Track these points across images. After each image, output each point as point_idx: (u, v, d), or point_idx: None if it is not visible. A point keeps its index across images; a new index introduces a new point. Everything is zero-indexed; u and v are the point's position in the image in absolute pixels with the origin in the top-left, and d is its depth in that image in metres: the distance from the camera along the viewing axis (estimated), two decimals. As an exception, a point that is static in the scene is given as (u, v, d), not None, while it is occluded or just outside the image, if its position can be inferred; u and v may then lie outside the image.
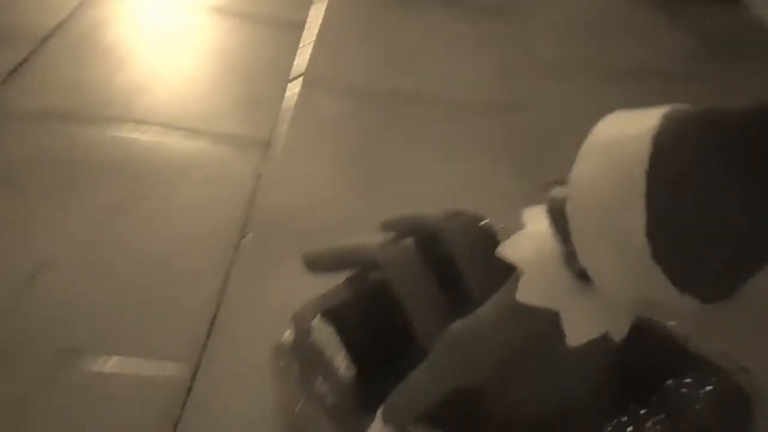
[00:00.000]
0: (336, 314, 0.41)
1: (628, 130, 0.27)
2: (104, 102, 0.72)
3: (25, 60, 0.75)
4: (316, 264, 0.45)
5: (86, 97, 0.72)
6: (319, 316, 0.40)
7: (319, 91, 0.80)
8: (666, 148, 0.26)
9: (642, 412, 0.37)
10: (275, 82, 0.80)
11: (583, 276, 0.30)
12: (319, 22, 0.94)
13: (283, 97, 0.78)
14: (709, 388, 0.37)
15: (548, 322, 0.31)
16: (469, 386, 0.35)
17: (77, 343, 0.49)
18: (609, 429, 0.37)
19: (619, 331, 0.33)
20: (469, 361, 0.33)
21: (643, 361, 0.40)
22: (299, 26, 0.92)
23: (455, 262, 0.40)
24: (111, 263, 0.56)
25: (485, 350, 0.33)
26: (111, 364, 0.49)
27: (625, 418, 0.37)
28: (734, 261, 0.26)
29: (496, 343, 0.32)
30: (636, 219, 0.26)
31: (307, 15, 0.94)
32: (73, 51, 0.78)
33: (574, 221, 0.29)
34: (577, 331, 0.31)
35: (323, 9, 0.97)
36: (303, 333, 0.42)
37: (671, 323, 0.39)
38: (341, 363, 0.40)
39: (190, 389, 0.48)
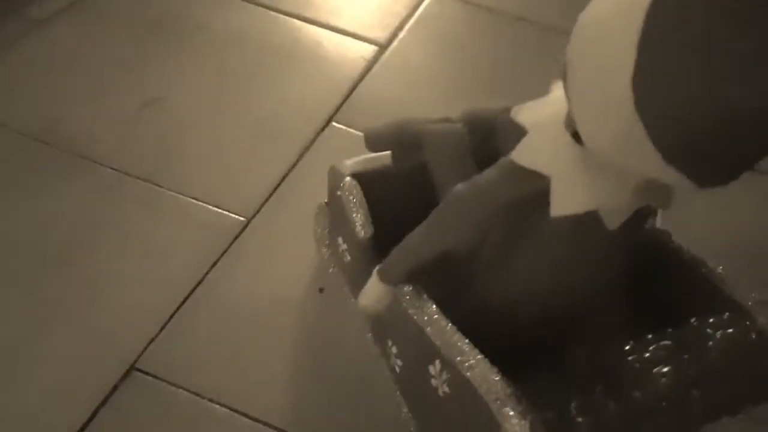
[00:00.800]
0: (367, 177, 0.42)
1: None
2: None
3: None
4: (374, 139, 0.46)
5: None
6: (350, 175, 0.42)
7: (452, 7, 0.80)
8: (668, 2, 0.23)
9: (649, 336, 0.34)
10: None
11: (579, 140, 0.28)
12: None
13: (417, 8, 0.78)
14: (729, 331, 0.34)
15: (539, 188, 0.30)
16: (458, 251, 0.34)
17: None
18: (611, 349, 0.35)
19: (612, 216, 0.30)
20: (458, 218, 0.33)
21: (671, 293, 0.38)
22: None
23: (499, 154, 0.39)
24: (211, 116, 0.61)
25: (473, 209, 0.32)
26: (183, 201, 0.54)
27: (631, 343, 0.35)
28: (729, 136, 0.24)
29: (484, 202, 0.32)
30: (624, 64, 0.24)
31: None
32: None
33: (568, 68, 0.27)
34: (563, 201, 0.29)
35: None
36: (333, 189, 0.43)
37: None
38: (360, 223, 0.40)
39: (237, 237, 0.52)
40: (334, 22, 0.73)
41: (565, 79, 0.28)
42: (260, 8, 0.73)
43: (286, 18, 0.73)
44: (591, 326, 0.35)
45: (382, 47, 0.72)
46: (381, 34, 0.73)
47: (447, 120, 0.42)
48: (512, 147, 0.34)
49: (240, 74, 0.66)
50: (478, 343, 0.33)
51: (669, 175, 0.25)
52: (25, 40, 0.65)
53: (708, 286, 0.36)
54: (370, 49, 0.71)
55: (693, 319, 0.35)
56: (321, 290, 0.48)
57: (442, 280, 0.36)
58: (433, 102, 0.66)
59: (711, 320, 0.34)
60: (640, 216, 0.33)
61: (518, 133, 0.35)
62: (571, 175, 0.29)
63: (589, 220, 0.30)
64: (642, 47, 0.24)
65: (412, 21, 0.76)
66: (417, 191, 0.39)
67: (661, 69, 0.24)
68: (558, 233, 0.31)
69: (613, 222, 0.30)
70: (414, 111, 0.45)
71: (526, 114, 0.32)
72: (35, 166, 0.55)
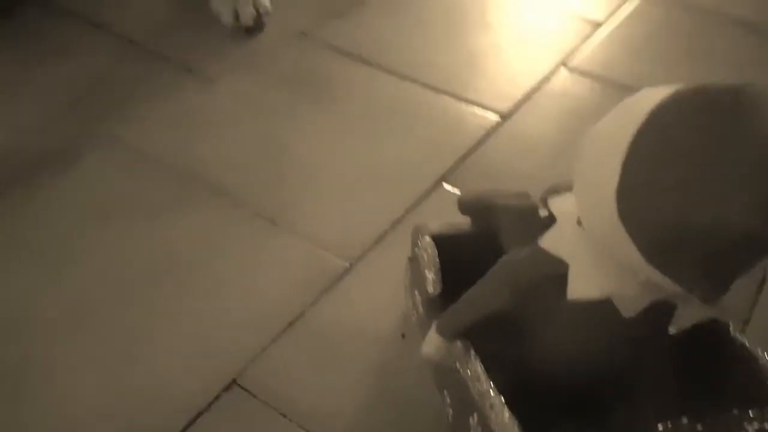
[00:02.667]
0: (443, 239, 0.46)
1: (640, 98, 0.28)
2: (403, 59, 0.86)
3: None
4: (462, 204, 0.51)
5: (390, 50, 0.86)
6: (428, 235, 0.46)
7: (584, 82, 0.82)
8: (656, 120, 0.27)
9: (684, 420, 0.35)
10: (543, 66, 0.85)
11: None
12: (616, 23, 0.94)
13: (547, 81, 0.82)
14: (766, 426, 0.34)
15: (561, 271, 0.33)
16: (502, 312, 0.38)
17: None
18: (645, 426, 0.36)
19: (625, 304, 0.32)
20: (499, 285, 0.36)
21: (720, 380, 0.38)
22: (592, 23, 0.94)
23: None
24: (332, 164, 0.69)
25: (510, 279, 0.36)
26: (294, 240, 0.61)
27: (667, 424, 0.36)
28: (700, 245, 0.26)
29: (518, 275, 0.35)
30: (612, 178, 0.28)
31: (606, 14, 0.95)
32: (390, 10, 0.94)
33: (574, 174, 0.30)
34: (578, 286, 0.32)
35: (626, 11, 0.97)
36: (414, 247, 0.48)
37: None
38: (431, 280, 0.45)
39: (340, 279, 0.58)
40: (460, 91, 0.79)
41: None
42: (393, 76, 0.81)
43: (415, 85, 0.80)
44: (630, 399, 0.37)
45: (504, 117, 0.76)
46: (504, 105, 0.78)
47: (525, 196, 0.46)
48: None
49: (364, 130, 0.73)
50: (522, 398, 0.36)
51: (656, 275, 0.28)
52: (194, 93, 0.77)
53: (756, 381, 0.36)
54: (491, 118, 0.76)
55: (735, 410, 0.36)
56: (403, 336, 0.53)
57: (492, 337, 0.40)
58: (547, 175, 0.69)
59: (750, 413, 0.35)
60: (666, 306, 0.35)
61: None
62: (587, 264, 0.32)
63: (605, 306, 0.33)
64: (626, 166, 0.28)
65: (537, 94, 0.80)
66: (490, 256, 0.43)
67: (640, 185, 0.27)
68: (577, 313, 0.34)
69: (627, 310, 0.33)
70: (526, 183, 0.48)
71: (559, 204, 0.35)
72: (168, 193, 0.65)
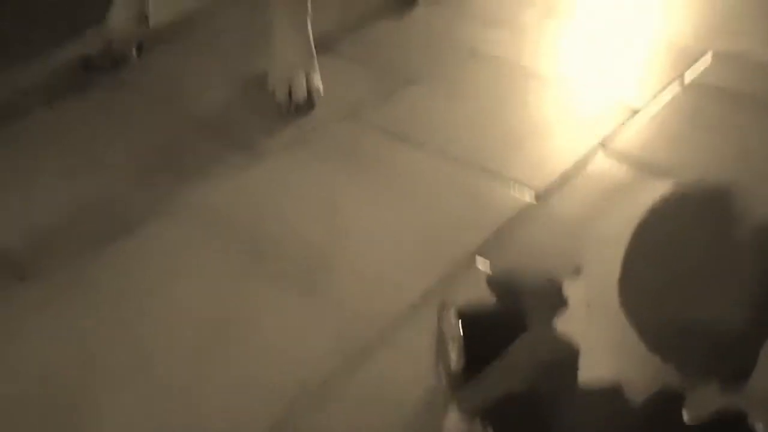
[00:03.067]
0: (469, 315, 0.48)
1: (640, 202, 0.31)
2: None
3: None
4: (490, 282, 0.53)
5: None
6: (454, 309, 0.48)
7: (620, 166, 0.84)
8: (655, 215, 0.29)
9: None
10: (581, 148, 0.87)
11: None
12: (655, 110, 0.97)
13: (584, 163, 0.85)
14: None
15: (574, 355, 0.34)
16: (520, 394, 0.39)
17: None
18: None
19: (636, 388, 0.33)
20: (516, 365, 0.38)
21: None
22: (631, 109, 0.96)
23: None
24: (370, 233, 0.72)
25: (527, 360, 0.37)
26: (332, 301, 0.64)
27: None
28: (709, 338, 0.27)
29: (534, 356, 0.37)
30: (616, 265, 0.29)
31: (646, 101, 0.98)
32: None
33: (585, 257, 0.32)
34: (590, 370, 0.34)
35: (665, 99, 1.00)
36: (440, 320, 0.50)
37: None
38: (454, 355, 0.47)
39: (369, 345, 0.60)
40: (497, 168, 0.82)
41: None
42: (435, 153, 0.85)
43: (455, 161, 0.84)
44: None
45: (539, 196, 0.79)
46: (540, 184, 0.80)
47: (550, 276, 0.48)
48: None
49: (403, 204, 0.77)
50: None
51: (661, 364, 0.30)
52: (247, 167, 0.82)
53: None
54: (527, 196, 0.78)
55: None
56: (430, 404, 0.55)
57: (511, 417, 0.41)
58: (577, 256, 0.71)
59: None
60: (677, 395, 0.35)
61: None
62: (597, 348, 0.34)
63: (617, 390, 0.34)
64: (627, 257, 0.30)
65: (573, 175, 0.82)
66: (514, 334, 0.45)
67: (641, 278, 0.29)
68: (591, 396, 0.35)
69: (637, 394, 0.34)
70: (557, 261, 0.50)
71: (574, 287, 0.37)
72: (220, 259, 0.69)
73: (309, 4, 0.95)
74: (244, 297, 0.65)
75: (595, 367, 0.34)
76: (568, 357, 0.36)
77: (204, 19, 1.17)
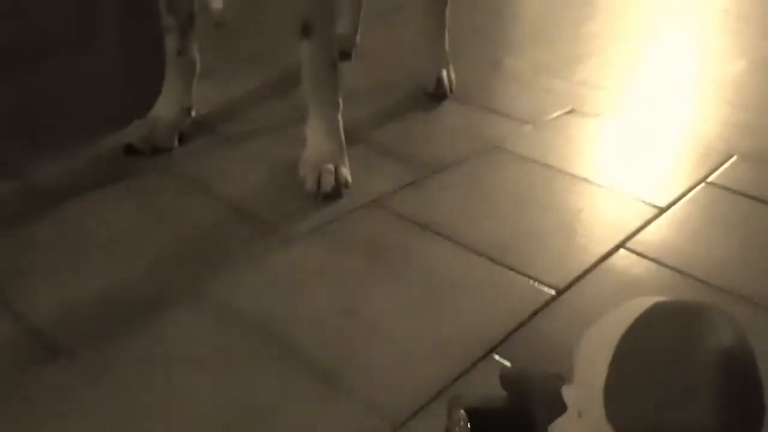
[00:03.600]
0: (477, 413, 0.48)
1: (632, 305, 0.32)
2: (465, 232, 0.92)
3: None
4: (502, 380, 0.53)
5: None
6: (463, 406, 0.49)
7: (642, 264, 0.85)
8: (638, 327, 0.30)
9: None
10: (602, 246, 0.88)
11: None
12: (678, 209, 0.98)
13: (606, 261, 0.85)
14: None
15: None
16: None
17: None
18: None
19: None
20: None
21: None
22: (654, 207, 0.97)
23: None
24: (391, 329, 0.73)
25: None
26: (349, 400, 0.64)
27: None
28: None
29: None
30: (601, 374, 0.30)
31: (670, 200, 0.99)
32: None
33: (574, 366, 0.33)
34: None
35: (689, 198, 1.01)
36: (448, 418, 0.51)
37: None
38: (463, 455, 0.47)
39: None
40: (517, 264, 0.83)
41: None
42: (456, 246, 0.87)
43: (476, 255, 0.85)
44: None
45: (559, 292, 0.79)
46: (560, 281, 0.81)
47: (559, 377, 0.48)
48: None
49: (423, 295, 0.78)
50: None
51: None
52: (276, 253, 0.85)
53: None
54: (546, 292, 0.79)
55: None
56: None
57: None
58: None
59: None
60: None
61: None
62: None
63: None
64: (611, 367, 0.31)
65: (594, 272, 0.83)
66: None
67: (622, 387, 0.30)
68: None
69: None
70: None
71: (569, 392, 0.38)
72: (244, 347, 0.70)
73: (340, 99, 1.01)
74: (265, 387, 0.65)
75: None
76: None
77: (240, 110, 1.24)
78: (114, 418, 0.61)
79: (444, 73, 1.31)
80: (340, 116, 1.01)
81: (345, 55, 1.49)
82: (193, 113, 1.13)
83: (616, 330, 0.32)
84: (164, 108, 1.09)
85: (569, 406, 0.37)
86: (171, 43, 1.07)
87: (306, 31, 0.97)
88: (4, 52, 1.04)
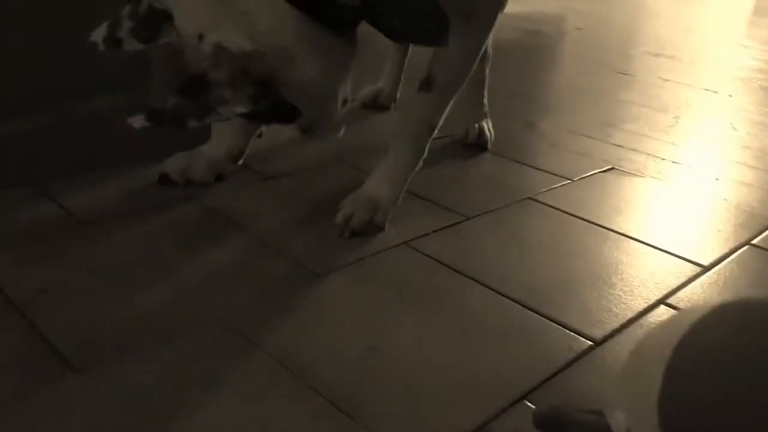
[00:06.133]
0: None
1: (686, 312, 0.29)
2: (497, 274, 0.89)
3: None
4: (536, 418, 0.50)
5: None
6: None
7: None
8: (697, 331, 0.27)
9: None
10: (642, 301, 0.84)
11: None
12: (721, 268, 0.94)
13: (645, 315, 0.82)
14: None
15: None
16: None
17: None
18: None
19: None
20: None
21: None
22: (697, 266, 0.94)
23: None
24: (418, 368, 0.69)
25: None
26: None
27: None
28: None
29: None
30: (655, 384, 0.27)
31: (712, 259, 0.96)
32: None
33: (621, 381, 0.30)
34: None
35: (732, 258, 0.97)
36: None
37: None
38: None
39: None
40: (553, 313, 0.80)
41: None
42: (489, 291, 0.84)
43: (510, 302, 0.82)
44: None
45: (596, 344, 0.75)
46: (598, 332, 0.77)
47: (599, 413, 0.45)
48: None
49: (454, 339, 0.74)
50: None
51: None
52: (303, 288, 0.83)
53: None
54: (582, 343, 0.75)
55: None
56: None
57: None
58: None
59: None
60: None
61: None
62: None
63: None
64: (667, 375, 0.28)
65: (633, 326, 0.79)
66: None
67: (681, 396, 0.27)
68: None
69: None
70: (608, 411, 0.47)
71: (616, 416, 0.35)
72: (264, 379, 0.67)
73: (421, 162, 1.01)
74: (283, 418, 0.62)
75: None
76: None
77: (278, 151, 1.24)
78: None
79: (485, 124, 1.31)
80: (411, 175, 1.01)
81: (384, 108, 1.51)
82: (241, 162, 1.13)
83: (672, 335, 0.29)
84: (213, 147, 1.09)
85: (615, 429, 0.34)
86: None
87: (426, 85, 0.97)
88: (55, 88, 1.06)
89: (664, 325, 0.31)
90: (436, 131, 1.00)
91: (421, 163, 1.01)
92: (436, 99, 0.97)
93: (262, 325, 0.75)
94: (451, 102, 0.99)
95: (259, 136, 1.15)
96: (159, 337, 0.71)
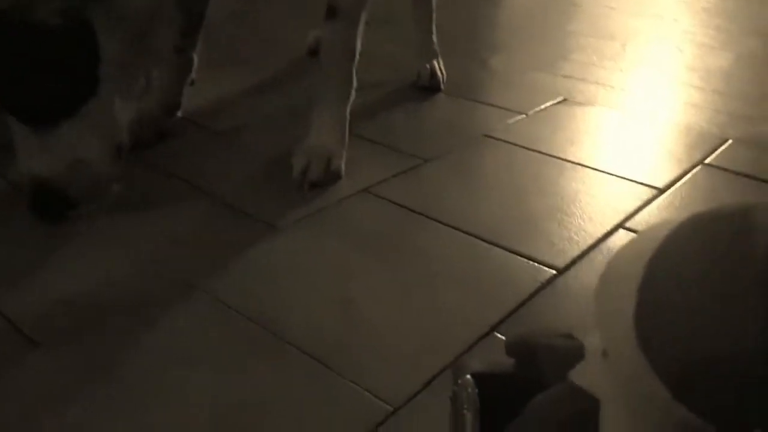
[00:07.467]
0: (485, 378, 0.45)
1: (658, 226, 0.28)
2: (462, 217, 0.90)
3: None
4: (508, 347, 0.51)
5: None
6: (469, 375, 0.46)
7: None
8: (671, 243, 0.27)
9: None
10: (601, 227, 0.86)
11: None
12: (677, 190, 0.96)
13: (605, 241, 0.83)
14: None
15: (592, 408, 0.31)
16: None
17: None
18: None
19: None
20: (531, 428, 0.35)
21: None
22: (653, 189, 0.96)
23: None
24: (388, 314, 0.70)
25: (540, 419, 0.34)
26: (342, 384, 0.61)
27: None
28: (727, 378, 0.24)
29: (547, 413, 0.34)
30: (630, 300, 0.27)
31: (667, 182, 0.98)
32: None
33: (595, 303, 0.30)
34: (610, 427, 0.31)
35: (687, 179, 0.99)
36: (454, 386, 0.47)
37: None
38: (470, 422, 0.44)
39: (381, 424, 0.57)
40: (516, 245, 0.81)
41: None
42: (452, 230, 0.84)
43: (473, 238, 0.82)
44: None
45: (559, 272, 0.77)
46: (560, 261, 0.78)
47: (569, 336, 0.45)
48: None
49: (421, 279, 0.75)
50: None
51: (687, 415, 0.26)
52: (265, 245, 0.82)
53: None
54: (546, 273, 0.76)
55: None
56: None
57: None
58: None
59: None
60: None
61: None
62: (617, 402, 0.31)
63: None
64: (642, 290, 0.28)
65: (593, 252, 0.80)
66: (531, 398, 0.42)
67: (657, 311, 0.27)
68: None
69: None
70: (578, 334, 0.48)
71: (591, 337, 0.35)
72: (238, 341, 0.67)
73: (352, 91, 0.98)
74: (256, 382, 0.62)
75: (615, 421, 0.31)
76: (586, 412, 0.33)
77: (227, 107, 1.21)
78: (100, 412, 0.58)
79: (436, 65, 1.30)
80: (348, 108, 0.99)
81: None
82: (180, 113, 1.10)
83: (642, 254, 0.28)
84: (150, 104, 1.05)
85: (590, 350, 0.34)
86: (169, 39, 1.04)
87: (331, 12, 0.94)
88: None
89: (633, 244, 0.30)
90: (357, 56, 0.97)
91: (353, 92, 0.99)
92: (343, 24, 0.95)
93: (229, 284, 0.74)
94: (361, 24, 0.97)
95: (192, 83, 1.12)
96: (127, 308, 0.70)
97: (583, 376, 0.34)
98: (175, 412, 0.58)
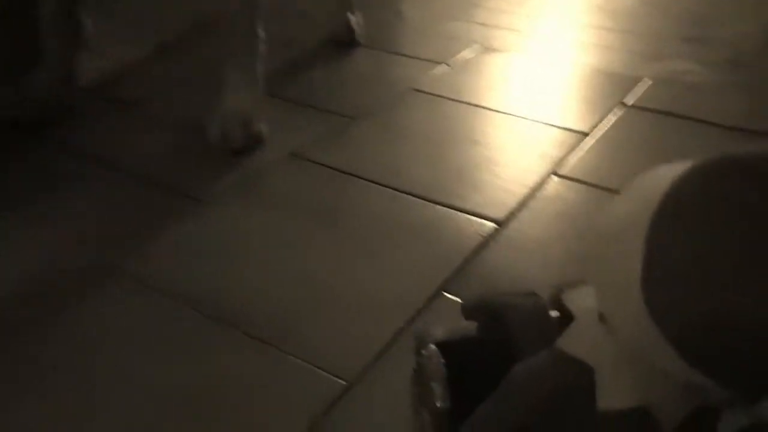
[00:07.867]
0: (449, 346, 0.44)
1: (658, 174, 0.26)
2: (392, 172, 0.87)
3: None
4: (467, 309, 0.49)
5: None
6: (433, 343, 0.44)
7: (574, 187, 0.83)
8: (679, 193, 0.25)
9: None
10: (533, 175, 0.86)
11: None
12: (601, 133, 0.97)
13: (540, 189, 0.83)
14: None
15: (586, 377, 0.30)
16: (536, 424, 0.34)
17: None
18: None
19: (665, 412, 0.29)
20: (515, 398, 0.34)
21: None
22: (578, 134, 0.96)
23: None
24: (337, 285, 0.67)
25: (528, 391, 0.33)
26: (293, 363, 0.58)
27: None
28: (738, 337, 0.23)
29: (537, 384, 0.33)
30: (635, 259, 0.25)
31: (591, 125, 0.98)
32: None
33: (590, 263, 0.29)
34: (609, 394, 0.29)
35: (610, 122, 1.00)
36: (417, 355, 0.46)
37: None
38: (439, 393, 0.42)
39: (338, 399, 0.55)
40: (454, 201, 0.79)
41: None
42: (387, 190, 0.82)
43: (410, 197, 0.80)
44: None
45: (500, 224, 0.76)
46: (499, 213, 0.78)
47: (532, 295, 0.44)
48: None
49: (360, 244, 0.72)
50: None
51: (694, 376, 0.25)
52: (191, 219, 0.77)
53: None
54: (487, 226, 0.76)
55: None
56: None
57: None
58: (548, 278, 0.68)
59: None
60: (711, 412, 0.32)
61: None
62: (616, 367, 0.29)
63: (642, 416, 0.29)
64: (649, 248, 0.26)
65: (530, 201, 0.80)
66: (502, 363, 0.40)
67: (667, 270, 0.25)
68: (610, 425, 0.31)
69: (667, 419, 0.30)
70: (526, 287, 0.47)
71: (576, 299, 0.33)
72: (170, 322, 0.63)
73: (261, 46, 0.92)
74: (204, 366, 0.58)
75: (616, 390, 0.30)
76: (581, 381, 0.31)
77: (131, 73, 1.12)
78: (31, 416, 0.53)
79: (352, 18, 1.25)
80: (259, 65, 0.92)
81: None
82: (79, 83, 1.01)
83: (649, 202, 0.26)
84: (44, 76, 0.96)
85: (580, 314, 0.32)
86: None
87: None
88: None
89: (636, 191, 0.28)
90: (259, 7, 0.92)
91: (262, 45, 0.93)
92: None
93: (158, 267, 0.69)
94: None
95: (89, 50, 1.04)
96: (56, 300, 0.64)
97: (574, 343, 0.32)
98: (122, 403, 0.54)
